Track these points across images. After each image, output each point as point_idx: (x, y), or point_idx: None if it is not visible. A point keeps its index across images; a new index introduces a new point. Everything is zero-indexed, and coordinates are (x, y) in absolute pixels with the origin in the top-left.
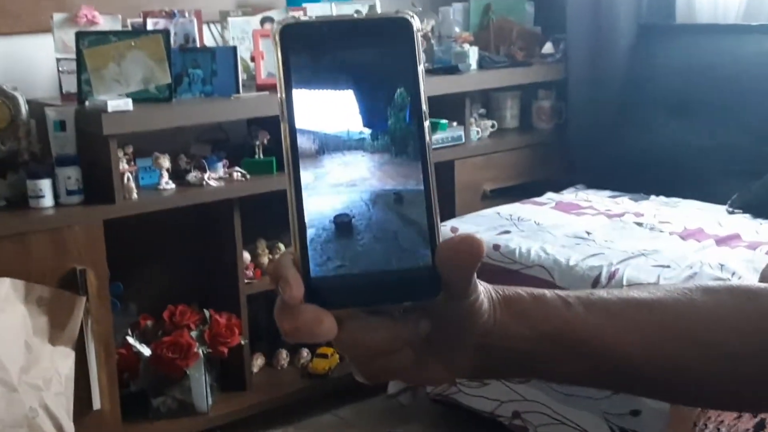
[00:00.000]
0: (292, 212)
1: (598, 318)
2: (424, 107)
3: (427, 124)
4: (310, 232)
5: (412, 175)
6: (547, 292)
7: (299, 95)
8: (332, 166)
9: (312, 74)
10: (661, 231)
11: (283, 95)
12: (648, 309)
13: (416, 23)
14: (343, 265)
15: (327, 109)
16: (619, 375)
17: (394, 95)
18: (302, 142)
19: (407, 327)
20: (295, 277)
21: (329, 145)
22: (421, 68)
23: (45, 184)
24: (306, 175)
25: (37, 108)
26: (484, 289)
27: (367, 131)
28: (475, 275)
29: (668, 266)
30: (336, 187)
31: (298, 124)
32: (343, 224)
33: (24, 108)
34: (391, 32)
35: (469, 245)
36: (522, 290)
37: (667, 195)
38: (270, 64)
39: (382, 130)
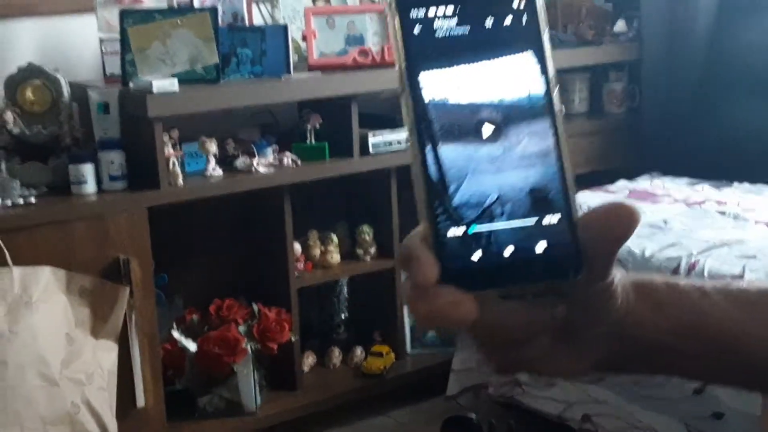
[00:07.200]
0: (419, 192)
1: (740, 310)
2: (551, 72)
3: (555, 90)
4: (443, 209)
5: (546, 147)
6: (681, 280)
7: (421, 64)
8: (464, 139)
9: (433, 40)
10: (746, 219)
11: (404, 64)
12: None
13: None
14: (481, 243)
15: (451, 79)
16: (757, 370)
17: (523, 61)
18: (421, 113)
19: (543, 312)
20: (429, 257)
21: (456, 118)
22: (546, 30)
23: (87, 169)
24: (434, 149)
25: (79, 90)
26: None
27: (498, 100)
28: None
29: (754, 257)
30: (471, 160)
31: (420, 94)
32: (481, 203)
33: (66, 90)
34: None
35: (621, 211)
36: (653, 276)
37: (752, 182)
38: (322, 43)
39: (514, 99)
